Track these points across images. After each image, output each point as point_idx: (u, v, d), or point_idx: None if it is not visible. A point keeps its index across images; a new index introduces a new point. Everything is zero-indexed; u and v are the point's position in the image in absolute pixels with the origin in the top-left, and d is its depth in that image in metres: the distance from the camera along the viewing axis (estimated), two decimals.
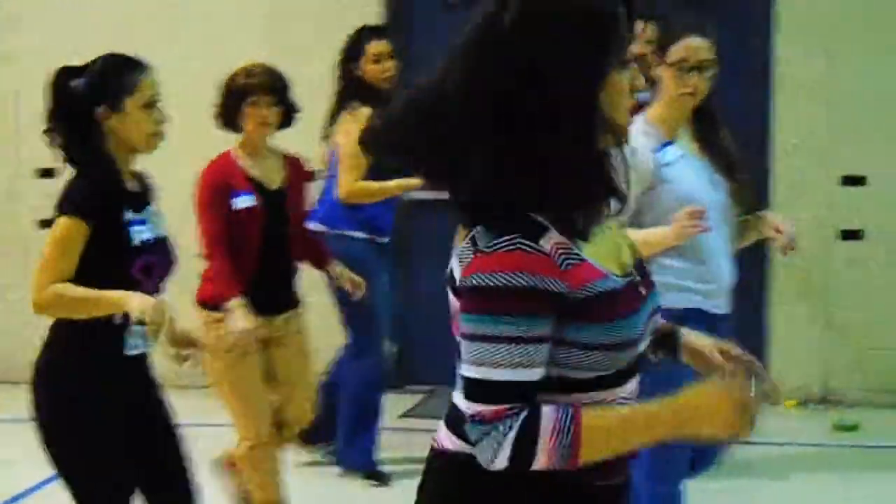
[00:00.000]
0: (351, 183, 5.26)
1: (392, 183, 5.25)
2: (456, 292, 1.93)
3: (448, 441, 2.02)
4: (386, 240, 5.56)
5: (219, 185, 4.52)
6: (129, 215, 3.38)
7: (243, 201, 4.52)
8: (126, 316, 3.20)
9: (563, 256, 1.88)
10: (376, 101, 5.25)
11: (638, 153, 3.60)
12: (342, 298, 5.21)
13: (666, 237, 3.61)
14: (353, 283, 4.87)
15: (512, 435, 1.83)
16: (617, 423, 1.87)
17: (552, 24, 1.85)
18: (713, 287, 3.80)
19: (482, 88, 1.87)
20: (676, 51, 3.76)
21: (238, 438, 4.60)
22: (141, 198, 3.48)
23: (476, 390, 1.86)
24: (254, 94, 4.56)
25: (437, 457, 2.04)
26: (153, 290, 3.40)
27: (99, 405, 3.34)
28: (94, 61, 3.42)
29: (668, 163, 3.74)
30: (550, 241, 1.88)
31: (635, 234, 3.23)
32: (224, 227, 4.46)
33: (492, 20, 1.88)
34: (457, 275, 1.92)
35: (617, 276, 1.96)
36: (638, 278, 2.03)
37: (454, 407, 2.00)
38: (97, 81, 3.37)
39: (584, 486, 1.96)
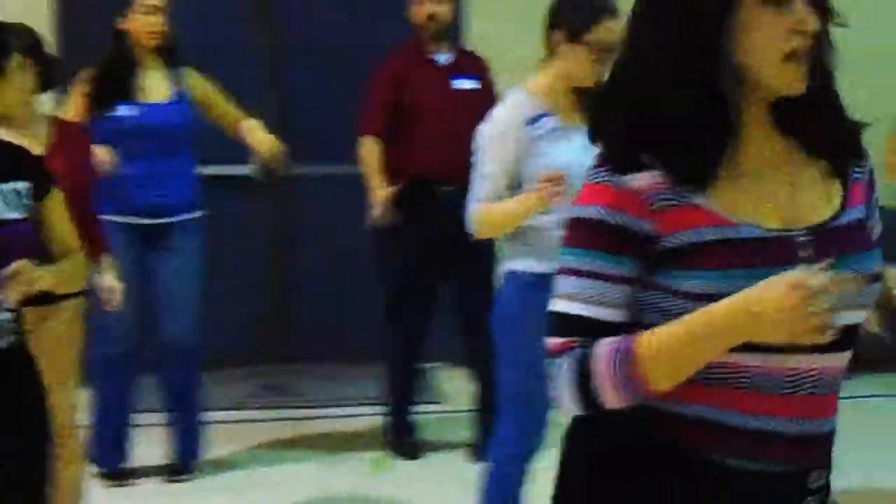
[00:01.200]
0: None
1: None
2: None
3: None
4: (142, 221, 4.91)
5: None
6: None
7: None
8: None
9: (659, 196, 1.74)
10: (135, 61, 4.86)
11: (504, 126, 3.70)
12: None
13: (528, 205, 3.62)
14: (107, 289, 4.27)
15: (566, 368, 1.76)
16: (675, 338, 1.70)
17: None
18: None
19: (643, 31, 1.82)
20: (597, 32, 3.68)
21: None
22: None
23: (553, 324, 1.80)
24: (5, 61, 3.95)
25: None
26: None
27: None
28: None
29: (540, 135, 3.71)
30: (645, 180, 1.75)
31: (500, 206, 3.66)
32: None
33: None
34: None
35: (756, 225, 1.75)
36: (805, 238, 1.77)
37: None
38: None
39: (727, 468, 1.77)
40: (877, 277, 1.81)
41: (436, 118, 5.18)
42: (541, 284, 3.49)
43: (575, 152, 3.58)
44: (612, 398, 1.73)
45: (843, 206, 1.82)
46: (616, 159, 1.77)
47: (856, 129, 1.84)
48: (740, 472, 1.77)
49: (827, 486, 1.84)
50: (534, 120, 3.70)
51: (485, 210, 3.71)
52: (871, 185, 1.89)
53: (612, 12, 3.70)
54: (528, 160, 3.67)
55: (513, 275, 3.78)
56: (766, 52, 1.71)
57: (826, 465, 1.83)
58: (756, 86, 1.74)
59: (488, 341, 3.95)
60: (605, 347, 1.73)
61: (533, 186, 3.59)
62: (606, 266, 1.75)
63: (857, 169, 1.86)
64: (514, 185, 3.68)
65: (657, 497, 1.79)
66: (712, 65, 1.72)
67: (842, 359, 1.80)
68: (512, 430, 3.82)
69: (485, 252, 4.97)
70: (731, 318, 1.65)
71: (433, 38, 5.37)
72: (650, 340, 1.71)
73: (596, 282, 1.76)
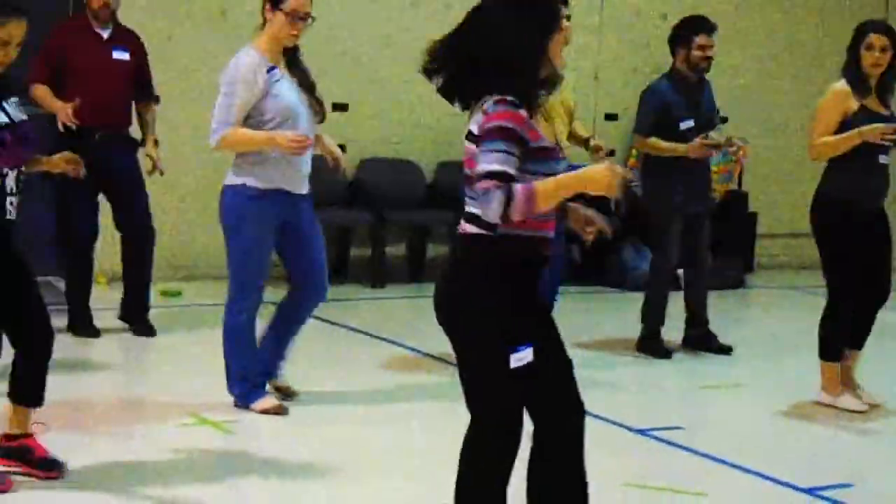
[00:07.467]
0: None
1: None
2: (474, 139, 3.52)
3: (469, 227, 3.57)
4: None
5: None
6: None
7: None
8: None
9: (528, 122, 3.51)
10: None
11: (250, 71, 5.20)
12: None
13: (272, 142, 5.17)
14: None
15: (501, 192, 3.39)
16: (551, 185, 3.46)
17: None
18: (294, 174, 5.36)
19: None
20: (291, 2, 5.27)
21: None
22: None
23: (488, 174, 3.42)
24: None
25: (463, 237, 3.60)
26: (12, 162, 4.22)
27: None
28: None
29: (276, 80, 5.28)
30: (523, 111, 3.51)
31: (247, 132, 5.22)
32: None
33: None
34: (475, 129, 3.53)
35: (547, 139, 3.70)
36: (553, 145, 3.75)
37: (467, 212, 3.57)
38: None
39: (533, 239, 3.57)
40: None
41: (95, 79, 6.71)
42: (256, 197, 5.18)
43: (293, 95, 5.28)
44: (518, 209, 3.38)
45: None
46: (514, 101, 3.46)
47: None
48: (542, 239, 3.61)
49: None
50: (270, 69, 5.24)
51: (233, 132, 5.21)
52: None
53: None
54: (268, 98, 5.22)
55: (233, 188, 5.29)
56: (556, 52, 3.56)
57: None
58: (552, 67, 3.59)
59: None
60: (520, 185, 3.40)
61: (284, 133, 5.16)
62: (511, 147, 3.42)
63: None
64: (250, 115, 5.21)
65: (517, 279, 3.54)
66: (543, 57, 3.54)
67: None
68: (239, 296, 5.41)
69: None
70: (578, 179, 3.46)
71: (98, 18, 6.86)
72: (542, 185, 3.43)
73: (507, 155, 3.41)
